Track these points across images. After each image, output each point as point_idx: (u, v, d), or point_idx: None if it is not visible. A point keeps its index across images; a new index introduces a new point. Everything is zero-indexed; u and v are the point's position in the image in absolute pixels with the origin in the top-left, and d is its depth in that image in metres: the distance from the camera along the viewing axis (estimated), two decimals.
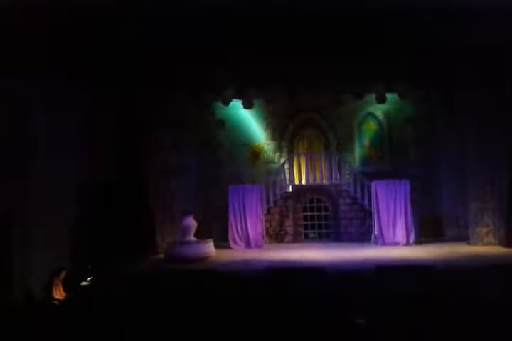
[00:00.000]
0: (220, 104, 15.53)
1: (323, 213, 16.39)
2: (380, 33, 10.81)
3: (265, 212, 15.96)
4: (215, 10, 9.60)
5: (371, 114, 17.57)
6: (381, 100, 15.15)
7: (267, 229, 15.93)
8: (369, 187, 15.55)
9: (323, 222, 16.38)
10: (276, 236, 16.20)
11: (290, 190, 16.58)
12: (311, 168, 16.58)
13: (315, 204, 16.45)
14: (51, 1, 8.40)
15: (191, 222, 13.31)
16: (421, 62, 12.50)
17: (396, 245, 14.49)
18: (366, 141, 17.64)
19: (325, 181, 16.41)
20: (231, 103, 15.29)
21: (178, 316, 6.76)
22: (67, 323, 7.07)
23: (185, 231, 13.23)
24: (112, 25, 9.96)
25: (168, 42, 11.47)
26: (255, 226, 15.29)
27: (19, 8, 8.21)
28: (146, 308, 7.13)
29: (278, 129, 17.51)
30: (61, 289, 9.21)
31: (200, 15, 10.08)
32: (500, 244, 13.57)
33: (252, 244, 15.14)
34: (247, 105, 15.45)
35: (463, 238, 14.55)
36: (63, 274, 9.34)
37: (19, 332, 6.82)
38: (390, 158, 17.33)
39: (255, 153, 17.43)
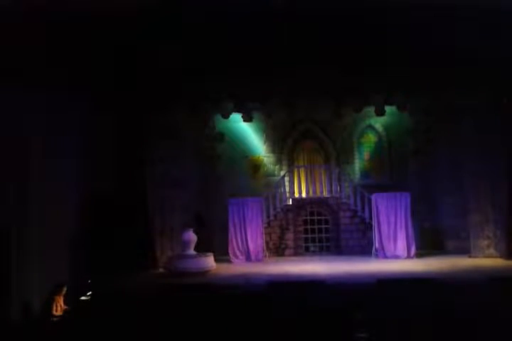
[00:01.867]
0: (219, 117, 15.58)
1: (323, 226, 16.32)
2: (378, 45, 10.85)
3: (265, 225, 15.90)
4: (212, 22, 9.65)
5: (370, 127, 17.63)
6: (380, 113, 15.19)
7: (267, 243, 15.85)
8: (369, 200, 15.52)
9: (323, 235, 16.31)
10: (277, 249, 16.12)
11: (290, 202, 16.54)
12: (311, 180, 16.57)
13: (315, 217, 16.39)
14: (51, 4, 8.41)
15: (191, 236, 13.24)
16: (420, 75, 12.54)
17: (397, 258, 14.41)
18: (366, 154, 17.67)
19: (325, 194, 16.39)
20: (231, 116, 15.34)
21: (178, 331, 6.70)
22: (65, 338, 7.00)
23: (185, 245, 13.16)
24: (112, 33, 9.98)
25: (168, 55, 11.51)
26: (255, 240, 15.22)
27: (19, 10, 8.22)
28: (147, 323, 7.06)
29: (278, 142, 17.54)
30: (62, 305, 9.14)
31: (198, 28, 10.13)
32: (502, 256, 13.49)
33: (253, 258, 15.05)
34: (247, 118, 15.50)
35: (464, 250, 14.47)
36: (64, 290, 9.27)
37: None
38: (390, 171, 17.33)
39: (255, 166, 17.43)
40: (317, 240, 16.31)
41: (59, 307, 9.07)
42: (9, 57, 8.48)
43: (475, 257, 13.85)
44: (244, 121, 15.76)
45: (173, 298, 9.08)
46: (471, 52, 11.13)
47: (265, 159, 17.52)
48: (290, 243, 16.16)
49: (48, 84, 9.58)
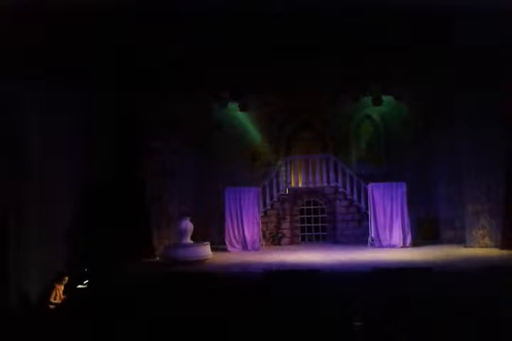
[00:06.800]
0: (217, 106, 15.57)
1: (320, 215, 16.40)
2: (377, 34, 10.81)
3: (262, 214, 15.96)
4: (212, 11, 9.60)
5: (368, 117, 17.61)
6: (377, 102, 15.20)
7: (263, 232, 15.91)
8: (366, 190, 15.57)
9: (319, 225, 16.38)
10: (273, 238, 16.20)
11: (287, 192, 16.58)
12: (307, 170, 16.58)
13: (312, 207, 16.46)
14: (51, 1, 8.38)
15: (188, 225, 13.27)
16: (418, 64, 12.53)
17: (393, 247, 14.50)
18: (363, 144, 17.67)
19: (322, 183, 16.42)
20: (228, 105, 15.32)
21: (175, 319, 6.74)
22: (63, 327, 7.03)
23: (181, 233, 13.19)
24: (112, 25, 9.93)
25: (166, 44, 11.46)
26: (252, 229, 15.28)
27: (19, 8, 8.18)
28: (142, 311, 7.10)
29: (275, 131, 17.51)
30: (61, 293, 9.18)
31: (196, 17, 10.07)
32: (497, 246, 13.57)
33: (249, 247, 15.12)
34: (244, 107, 15.50)
35: (459, 240, 14.56)
36: (66, 279, 9.31)
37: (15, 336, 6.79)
38: (386, 160, 17.35)
39: (252, 156, 17.41)
40: (313, 229, 16.39)
41: (58, 295, 9.10)
42: (9, 52, 8.43)
43: (470, 247, 13.92)
44: (241, 110, 15.80)
45: (169, 286, 9.11)
46: (469, 43, 11.15)
47: (262, 149, 17.50)
48: (286, 232, 16.24)
49: (46, 75, 9.54)
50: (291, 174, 16.70)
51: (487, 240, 13.91)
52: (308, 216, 16.43)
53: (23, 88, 9.02)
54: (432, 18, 9.92)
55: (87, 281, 9.89)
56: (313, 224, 16.41)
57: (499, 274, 8.94)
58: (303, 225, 16.41)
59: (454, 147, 14.82)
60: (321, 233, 16.36)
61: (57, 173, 10.17)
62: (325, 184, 16.38)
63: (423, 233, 15.74)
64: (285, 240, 16.20)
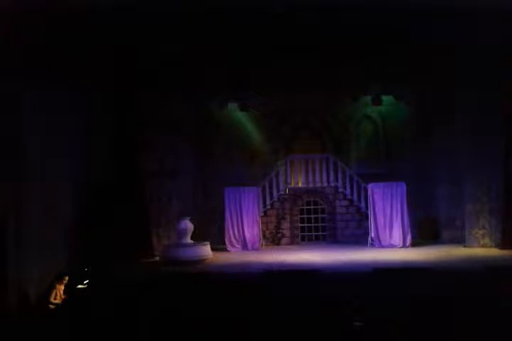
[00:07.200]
0: (217, 106, 15.58)
1: (320, 215, 16.39)
2: (377, 34, 10.81)
3: (262, 214, 15.96)
4: (212, 11, 9.59)
5: (367, 116, 17.60)
6: (377, 102, 15.20)
7: (263, 232, 15.90)
8: (365, 189, 15.57)
9: (319, 225, 16.38)
10: (273, 238, 16.19)
11: (287, 192, 16.57)
12: (307, 170, 16.57)
13: (312, 207, 16.45)
14: (51, 1, 8.37)
15: (187, 225, 13.27)
16: (418, 64, 12.53)
17: (393, 247, 14.50)
18: (362, 143, 17.65)
19: (321, 183, 16.41)
20: (228, 105, 15.31)
21: (175, 319, 6.74)
22: (63, 327, 7.04)
23: (181, 233, 13.19)
24: (112, 25, 9.92)
25: (166, 44, 11.45)
26: (252, 229, 15.28)
27: (19, 8, 8.17)
28: (142, 311, 7.10)
29: (274, 131, 17.50)
30: (61, 293, 9.18)
31: (196, 17, 10.06)
32: (497, 246, 13.58)
33: (249, 247, 15.13)
34: (244, 107, 15.51)
35: (459, 240, 14.57)
36: (66, 279, 9.30)
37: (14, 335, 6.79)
38: (386, 160, 17.34)
39: (252, 155, 17.39)
40: (313, 229, 16.38)
41: (58, 295, 9.11)
42: (9, 52, 8.42)
43: (470, 247, 13.94)
44: (240, 110, 15.81)
45: (169, 286, 9.11)
46: (469, 43, 11.15)
47: (262, 148, 17.48)
48: (286, 232, 16.23)
49: (46, 74, 9.55)
50: (291, 174, 16.68)
51: (487, 240, 13.93)
52: (308, 216, 16.43)
53: (23, 88, 9.00)
54: (432, 18, 9.91)
55: (87, 281, 9.88)
56: (313, 224, 16.40)
57: (499, 274, 8.95)
58: (303, 225, 16.41)
59: (454, 147, 14.82)
60: (321, 233, 16.35)
61: (57, 173, 10.16)
62: (325, 184, 16.37)
63: (423, 233, 15.74)
64: (285, 240, 16.19)
